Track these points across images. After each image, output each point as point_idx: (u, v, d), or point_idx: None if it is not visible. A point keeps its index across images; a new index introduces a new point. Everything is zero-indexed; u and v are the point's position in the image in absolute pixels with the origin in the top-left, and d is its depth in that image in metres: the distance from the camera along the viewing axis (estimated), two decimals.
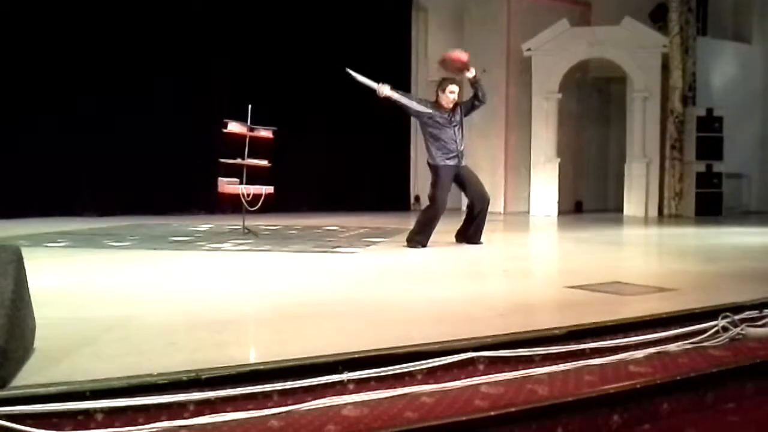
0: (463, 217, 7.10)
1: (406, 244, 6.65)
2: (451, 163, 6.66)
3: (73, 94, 9.93)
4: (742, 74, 13.43)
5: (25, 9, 9.68)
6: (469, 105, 6.83)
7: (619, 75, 12.43)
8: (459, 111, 6.75)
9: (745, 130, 12.85)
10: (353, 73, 6.59)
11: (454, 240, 6.97)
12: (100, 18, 10.12)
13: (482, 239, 6.94)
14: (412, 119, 12.95)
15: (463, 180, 6.82)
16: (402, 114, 12.75)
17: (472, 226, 6.90)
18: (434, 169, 6.71)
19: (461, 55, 6.81)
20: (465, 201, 7.52)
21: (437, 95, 6.72)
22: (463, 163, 6.79)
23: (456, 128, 6.69)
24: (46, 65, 9.78)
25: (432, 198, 6.78)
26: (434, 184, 6.73)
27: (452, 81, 6.74)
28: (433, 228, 6.71)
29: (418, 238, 6.61)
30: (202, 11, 10.93)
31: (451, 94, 6.64)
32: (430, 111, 6.66)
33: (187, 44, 10.72)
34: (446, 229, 7.01)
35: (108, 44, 10.18)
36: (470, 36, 12.89)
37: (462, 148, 6.74)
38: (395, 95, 6.69)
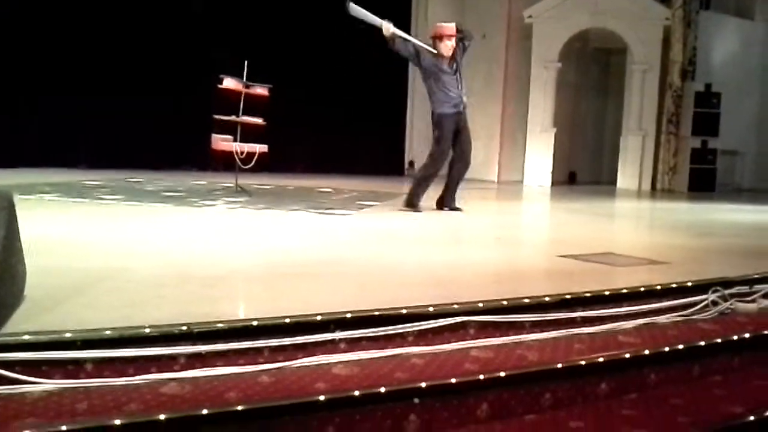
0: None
1: (402, 206, 6.65)
2: (454, 110, 6.70)
3: (68, 49, 9.79)
4: (743, 51, 13.32)
5: None
6: (461, 48, 6.88)
7: (620, 46, 12.33)
8: (457, 60, 6.81)
9: (742, 107, 12.79)
10: (354, 8, 6.50)
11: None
12: None
13: (460, 205, 6.88)
14: (410, 80, 12.97)
15: (458, 133, 6.80)
16: (399, 79, 12.67)
17: (449, 188, 6.87)
18: (438, 119, 6.72)
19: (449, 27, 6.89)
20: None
21: (435, 45, 6.78)
22: (465, 115, 6.82)
23: (457, 76, 6.76)
24: (42, 23, 9.64)
25: (431, 153, 6.79)
26: (438, 139, 6.74)
27: (449, 37, 6.77)
28: (428, 185, 6.74)
29: (414, 198, 6.67)
30: None
31: (449, 42, 6.71)
32: (431, 56, 6.71)
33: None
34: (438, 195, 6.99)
35: (104, 2, 10.01)
36: (471, 2, 12.73)
37: (464, 95, 6.78)
38: (400, 33, 6.72)
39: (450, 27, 6.85)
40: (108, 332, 2.20)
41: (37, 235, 3.93)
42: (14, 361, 2.02)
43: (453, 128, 6.70)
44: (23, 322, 2.29)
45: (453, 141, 6.82)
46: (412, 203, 6.70)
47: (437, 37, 6.76)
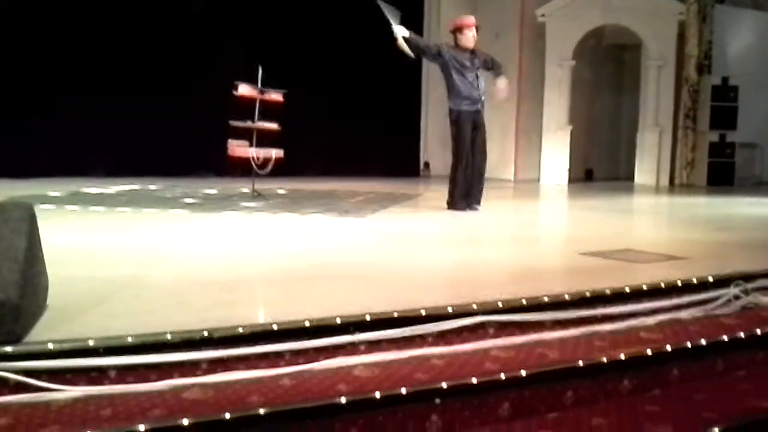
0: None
1: (447, 207, 6.70)
2: (471, 108, 6.67)
3: (82, 56, 9.87)
4: (759, 43, 13.17)
5: None
6: (488, 65, 6.86)
7: (634, 42, 12.26)
8: (479, 58, 6.78)
9: (760, 100, 12.65)
10: (383, 7, 6.56)
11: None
12: None
13: (479, 205, 6.84)
14: (424, 81, 12.97)
15: (475, 131, 6.77)
16: (414, 80, 12.68)
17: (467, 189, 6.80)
18: (455, 116, 6.70)
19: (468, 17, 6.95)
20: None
21: (456, 38, 6.76)
22: (482, 112, 6.82)
23: (478, 73, 6.73)
24: (53, 28, 9.72)
25: (455, 152, 6.77)
26: (455, 137, 6.72)
27: (469, 27, 6.77)
28: (465, 183, 6.70)
29: (456, 199, 6.67)
30: None
31: (469, 32, 6.69)
32: (451, 52, 6.70)
33: (198, 5, 10.62)
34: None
35: (119, 6, 10.09)
36: (484, 1, 12.71)
37: (482, 95, 6.75)
38: (413, 36, 6.72)
39: (468, 18, 6.86)
40: (130, 339, 2.22)
41: (57, 244, 3.98)
42: (39, 370, 2.04)
43: (470, 125, 6.68)
44: (47, 331, 2.32)
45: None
46: (452, 204, 6.70)
47: (457, 30, 6.73)
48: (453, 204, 6.71)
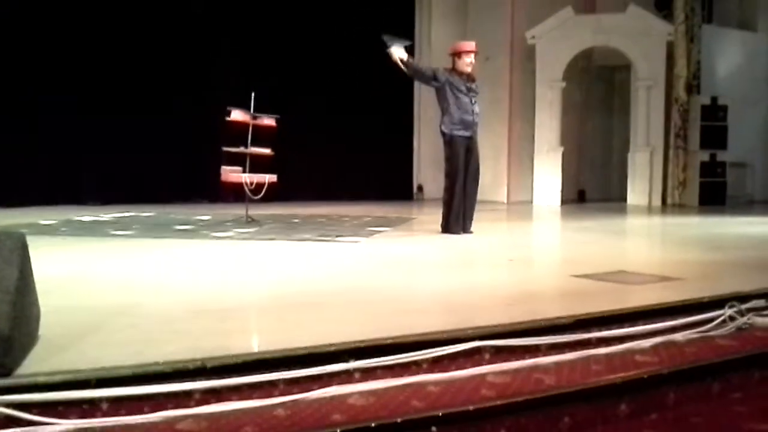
0: None
1: (441, 231, 6.71)
2: (464, 134, 6.70)
3: (75, 84, 9.89)
4: (748, 63, 13.35)
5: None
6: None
7: (624, 63, 12.38)
8: (476, 83, 6.84)
9: (749, 119, 12.79)
10: (387, 40, 6.67)
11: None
12: (99, 9, 10.07)
13: (472, 228, 6.87)
14: (416, 104, 13.04)
15: (468, 155, 6.79)
16: (406, 103, 12.76)
17: (461, 212, 6.82)
18: (447, 139, 6.72)
19: (468, 43, 7.00)
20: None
21: (453, 62, 6.81)
22: (476, 137, 6.84)
23: (473, 98, 6.75)
24: (48, 54, 9.75)
25: (448, 173, 6.76)
26: (449, 159, 6.74)
27: (468, 53, 6.80)
28: (460, 206, 6.70)
29: (452, 223, 6.66)
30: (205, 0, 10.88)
31: (467, 58, 6.73)
32: (448, 74, 6.74)
33: (190, 32, 10.69)
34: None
35: (110, 34, 10.14)
36: (474, 23, 12.85)
37: (477, 120, 6.78)
38: (410, 59, 6.78)
39: (469, 44, 6.91)
40: (122, 370, 2.20)
41: (49, 274, 3.96)
42: (30, 403, 2.02)
43: (464, 148, 6.71)
44: (39, 362, 2.30)
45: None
46: (446, 228, 6.70)
47: (456, 54, 6.78)
48: (448, 228, 6.71)
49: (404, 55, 6.70)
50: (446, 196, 6.80)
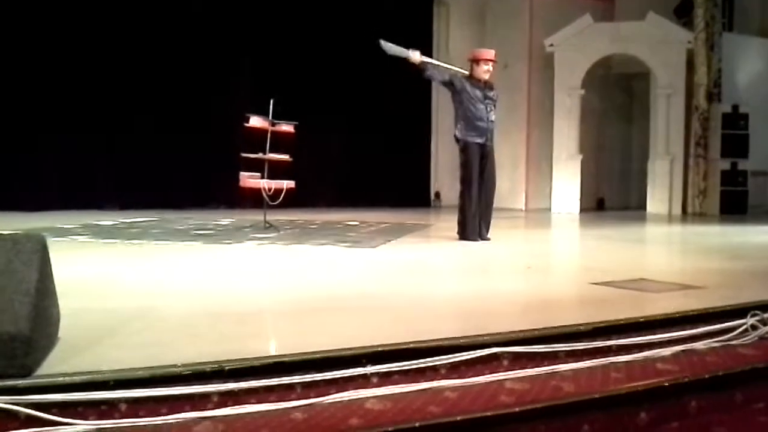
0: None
1: (458, 237, 6.66)
2: (478, 140, 6.66)
3: (94, 90, 10.00)
4: None
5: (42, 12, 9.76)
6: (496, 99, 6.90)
7: (643, 71, 12.30)
8: (494, 91, 6.81)
9: None
10: (385, 45, 6.58)
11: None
12: (120, 14, 10.18)
13: (489, 235, 6.83)
14: (434, 111, 13.03)
15: (483, 161, 6.76)
16: (424, 110, 12.76)
17: (478, 218, 6.80)
18: (462, 144, 6.71)
19: (487, 51, 6.96)
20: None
21: (471, 68, 6.78)
22: (491, 144, 6.79)
23: (488, 106, 6.70)
24: (67, 61, 9.86)
25: (463, 179, 6.74)
26: (464, 164, 6.72)
27: (486, 61, 6.77)
28: (476, 211, 6.65)
29: (468, 229, 6.61)
30: (224, 7, 10.95)
31: (485, 65, 6.70)
32: (464, 80, 6.71)
33: (209, 39, 10.76)
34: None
35: (130, 41, 10.24)
36: (492, 31, 12.83)
37: (492, 128, 6.74)
38: (428, 60, 6.76)
39: (488, 51, 6.88)
40: (140, 372, 2.20)
41: (69, 277, 3.98)
42: (49, 403, 2.03)
43: (478, 155, 6.69)
44: (58, 364, 2.31)
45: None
46: (463, 235, 6.65)
47: (474, 61, 6.76)
48: (464, 234, 6.67)
49: (419, 57, 6.68)
50: (461, 201, 6.78)
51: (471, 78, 6.75)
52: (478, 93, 6.68)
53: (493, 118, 6.76)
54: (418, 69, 6.70)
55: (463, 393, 2.37)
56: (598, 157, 13.00)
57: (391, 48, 6.61)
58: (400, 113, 12.03)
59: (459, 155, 6.81)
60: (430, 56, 7.09)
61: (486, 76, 6.73)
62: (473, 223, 6.65)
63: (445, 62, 7.39)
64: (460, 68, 7.02)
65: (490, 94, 6.77)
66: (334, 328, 3.04)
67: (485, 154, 6.74)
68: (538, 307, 3.62)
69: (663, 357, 2.85)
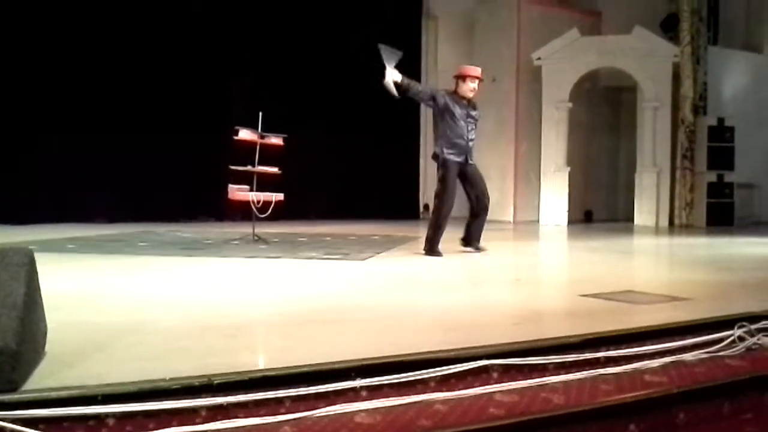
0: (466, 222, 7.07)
1: (424, 252, 6.61)
2: (456, 159, 6.61)
3: (82, 102, 9.96)
4: (754, 84, 13.36)
5: (33, 16, 9.74)
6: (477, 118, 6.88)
7: (630, 84, 12.40)
8: (477, 111, 6.78)
9: (756, 140, 12.76)
10: (384, 50, 6.53)
11: (460, 247, 6.92)
12: (108, 24, 10.15)
13: (482, 245, 6.87)
14: (422, 123, 13.06)
15: (468, 178, 6.76)
16: (412, 123, 12.77)
17: (472, 228, 6.87)
18: (440, 162, 6.66)
19: (474, 68, 6.92)
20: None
21: (457, 84, 6.72)
22: (471, 161, 6.77)
23: (470, 125, 6.66)
24: (57, 72, 9.82)
25: (438, 194, 6.70)
26: (441, 179, 6.68)
27: (473, 79, 6.73)
28: (444, 227, 6.65)
29: (434, 244, 6.57)
30: (213, 20, 10.96)
31: (471, 83, 6.66)
32: (447, 96, 6.64)
33: (197, 55, 10.75)
34: (454, 237, 6.97)
35: (117, 51, 10.21)
36: (480, 45, 12.91)
37: (471, 146, 6.72)
38: (406, 80, 6.56)
39: (475, 69, 6.83)
40: (128, 386, 2.19)
41: (57, 290, 3.96)
42: (37, 418, 2.01)
43: (457, 171, 6.65)
44: (45, 378, 2.29)
45: (465, 186, 6.80)
46: (431, 250, 6.56)
47: (460, 77, 6.71)
48: (431, 250, 6.54)
49: (398, 77, 6.49)
50: (435, 216, 6.70)
51: (455, 94, 6.68)
52: (460, 110, 6.61)
53: (473, 137, 6.70)
54: (401, 89, 6.53)
55: (454, 406, 2.37)
56: (585, 169, 13.07)
57: (384, 55, 6.52)
58: (389, 126, 12.04)
59: (437, 171, 6.76)
60: (419, 74, 7.04)
61: (470, 94, 6.67)
62: (439, 240, 6.60)
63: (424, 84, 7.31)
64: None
65: (473, 113, 6.70)
66: (324, 341, 3.03)
67: (465, 173, 6.71)
68: (528, 319, 3.63)
69: (652, 368, 2.86)
